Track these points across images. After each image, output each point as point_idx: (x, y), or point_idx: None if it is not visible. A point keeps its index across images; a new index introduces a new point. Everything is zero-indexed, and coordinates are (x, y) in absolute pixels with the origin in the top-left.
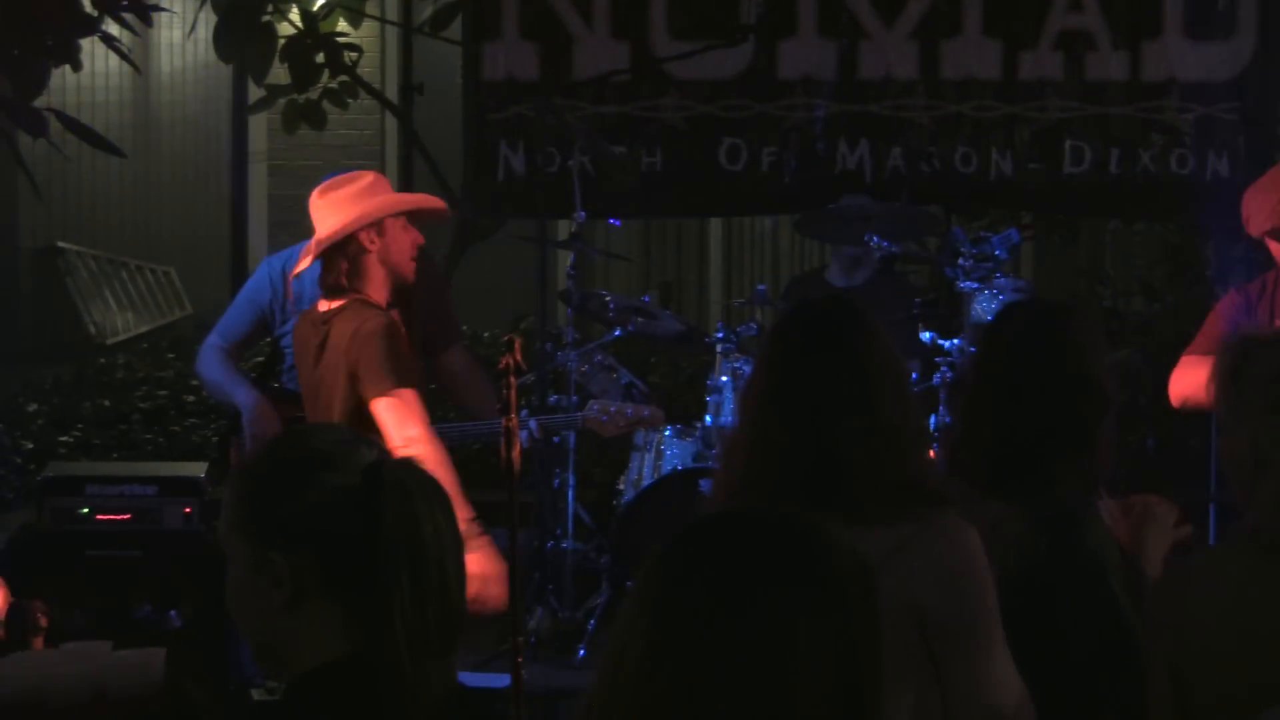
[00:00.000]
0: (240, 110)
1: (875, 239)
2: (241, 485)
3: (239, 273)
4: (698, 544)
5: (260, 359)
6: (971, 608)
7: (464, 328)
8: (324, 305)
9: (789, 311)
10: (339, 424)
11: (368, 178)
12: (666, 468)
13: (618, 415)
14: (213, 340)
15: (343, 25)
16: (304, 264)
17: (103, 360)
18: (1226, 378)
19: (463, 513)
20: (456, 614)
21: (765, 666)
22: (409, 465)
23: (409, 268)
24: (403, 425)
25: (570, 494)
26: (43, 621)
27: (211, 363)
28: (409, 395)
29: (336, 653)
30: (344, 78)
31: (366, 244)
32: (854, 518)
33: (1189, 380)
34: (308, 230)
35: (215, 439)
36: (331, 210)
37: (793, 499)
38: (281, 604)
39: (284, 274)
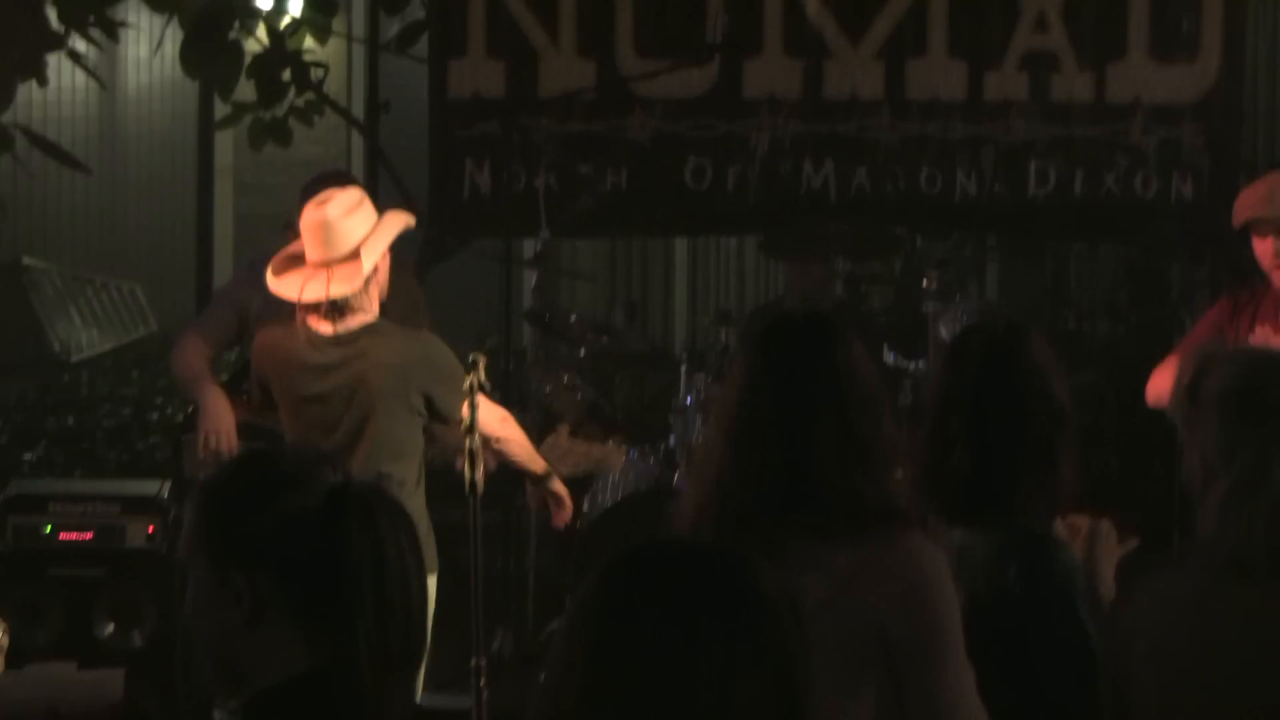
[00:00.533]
0: (206, 127)
1: (839, 259)
2: (204, 503)
3: (205, 290)
4: (629, 581)
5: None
6: (934, 628)
7: None
8: (325, 326)
9: (765, 323)
10: (305, 444)
11: (355, 193)
12: (630, 488)
13: (576, 453)
14: (190, 332)
15: (309, 42)
16: (360, 281)
17: (67, 377)
18: (1183, 394)
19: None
20: (419, 635)
21: (705, 702)
22: (374, 488)
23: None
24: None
25: (533, 515)
26: (3, 640)
27: (186, 355)
28: None
29: (297, 672)
30: (310, 95)
31: (380, 264)
32: (821, 534)
33: (1158, 381)
34: (274, 246)
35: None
36: (359, 228)
37: (761, 513)
38: (241, 622)
39: (262, 280)
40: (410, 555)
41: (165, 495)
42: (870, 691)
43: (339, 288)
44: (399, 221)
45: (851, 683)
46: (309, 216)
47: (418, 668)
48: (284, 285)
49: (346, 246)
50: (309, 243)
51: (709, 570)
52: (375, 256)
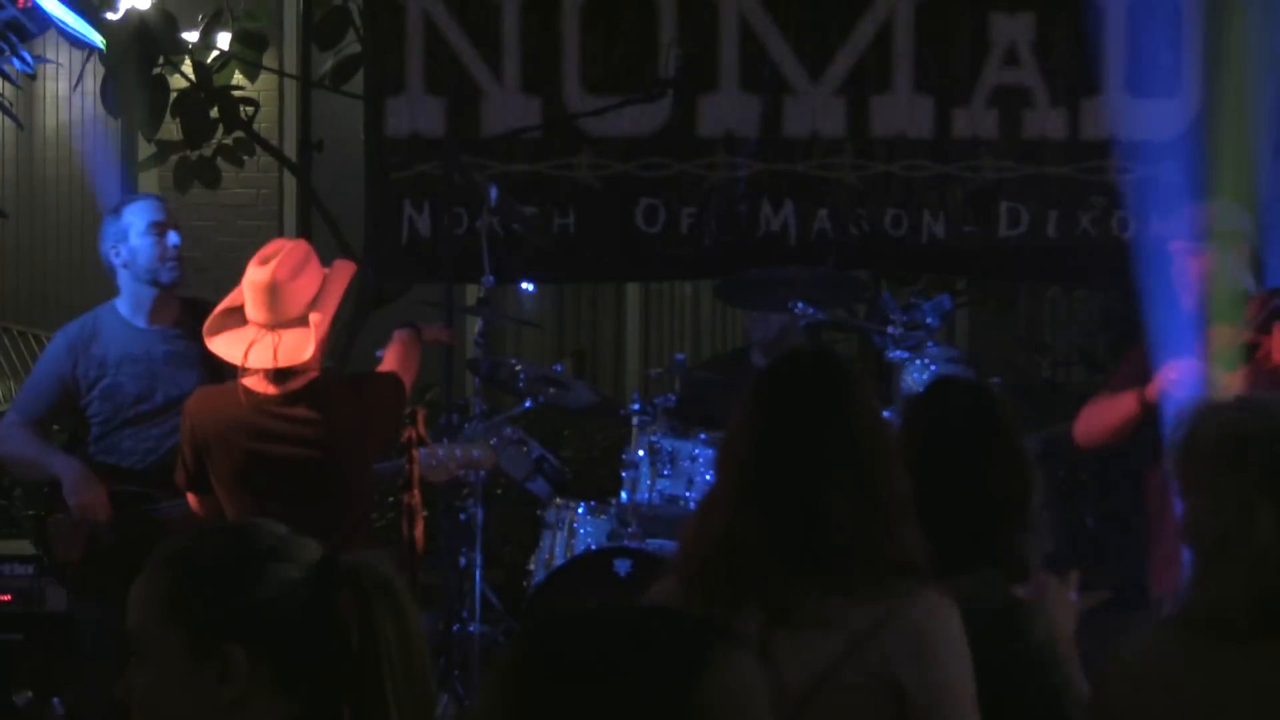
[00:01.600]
0: (130, 167)
1: (800, 305)
2: (177, 576)
3: None
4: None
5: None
6: (950, 685)
7: None
8: (268, 387)
9: (777, 364)
10: (267, 520)
11: (302, 247)
12: (580, 547)
13: (446, 459)
14: (11, 419)
15: (238, 78)
16: (311, 349)
17: None
18: (1174, 447)
19: None
20: (433, 699)
21: None
22: (366, 561)
23: None
24: None
25: (478, 574)
26: None
27: (16, 439)
28: None
29: None
30: (239, 133)
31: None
32: (836, 590)
33: (1086, 420)
34: (197, 292)
35: (31, 519)
36: (306, 288)
37: (773, 571)
38: (226, 700)
39: (86, 344)
40: (415, 626)
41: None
42: None
43: (288, 355)
44: (345, 274)
45: None
46: (253, 275)
47: None
48: (224, 346)
49: (294, 310)
50: (253, 303)
51: (629, 637)
52: (326, 321)
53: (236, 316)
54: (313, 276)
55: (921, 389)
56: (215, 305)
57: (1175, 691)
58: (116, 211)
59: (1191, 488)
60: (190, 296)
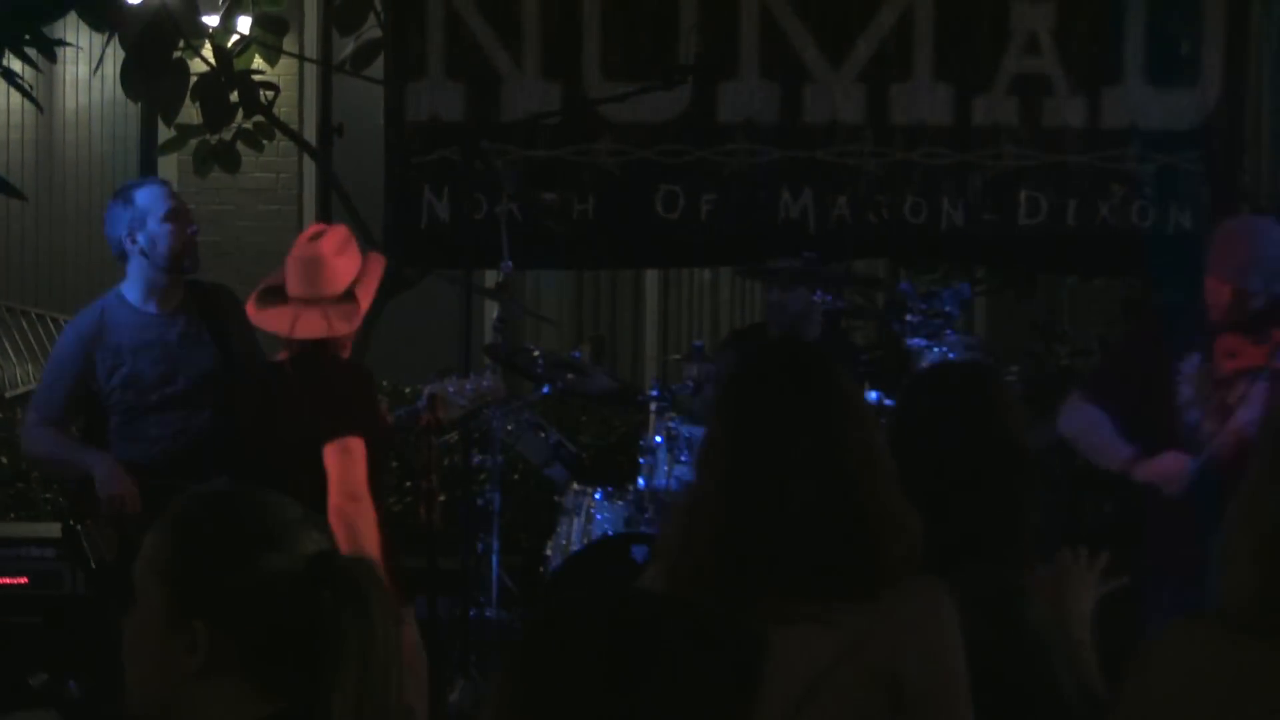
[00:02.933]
0: (149, 151)
1: (819, 293)
2: (178, 537)
3: None
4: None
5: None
6: (948, 677)
7: (383, 382)
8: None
9: (751, 359)
10: (287, 499)
11: (344, 230)
12: (597, 532)
13: (456, 394)
14: (34, 419)
15: (258, 62)
16: (358, 321)
17: (1, 415)
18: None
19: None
20: (391, 716)
21: None
22: (361, 562)
23: None
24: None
25: (495, 560)
26: None
27: (45, 439)
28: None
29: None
30: (259, 118)
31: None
32: (834, 593)
33: (1075, 426)
34: (216, 277)
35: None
36: (350, 267)
37: (769, 571)
38: (191, 670)
39: (99, 336)
40: (393, 635)
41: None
42: None
43: (340, 326)
44: (379, 264)
45: None
46: (302, 251)
47: None
48: (270, 320)
49: (338, 286)
50: (297, 277)
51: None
52: (369, 299)
53: (278, 294)
54: (354, 257)
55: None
56: (212, 286)
57: (1198, 689)
58: (127, 196)
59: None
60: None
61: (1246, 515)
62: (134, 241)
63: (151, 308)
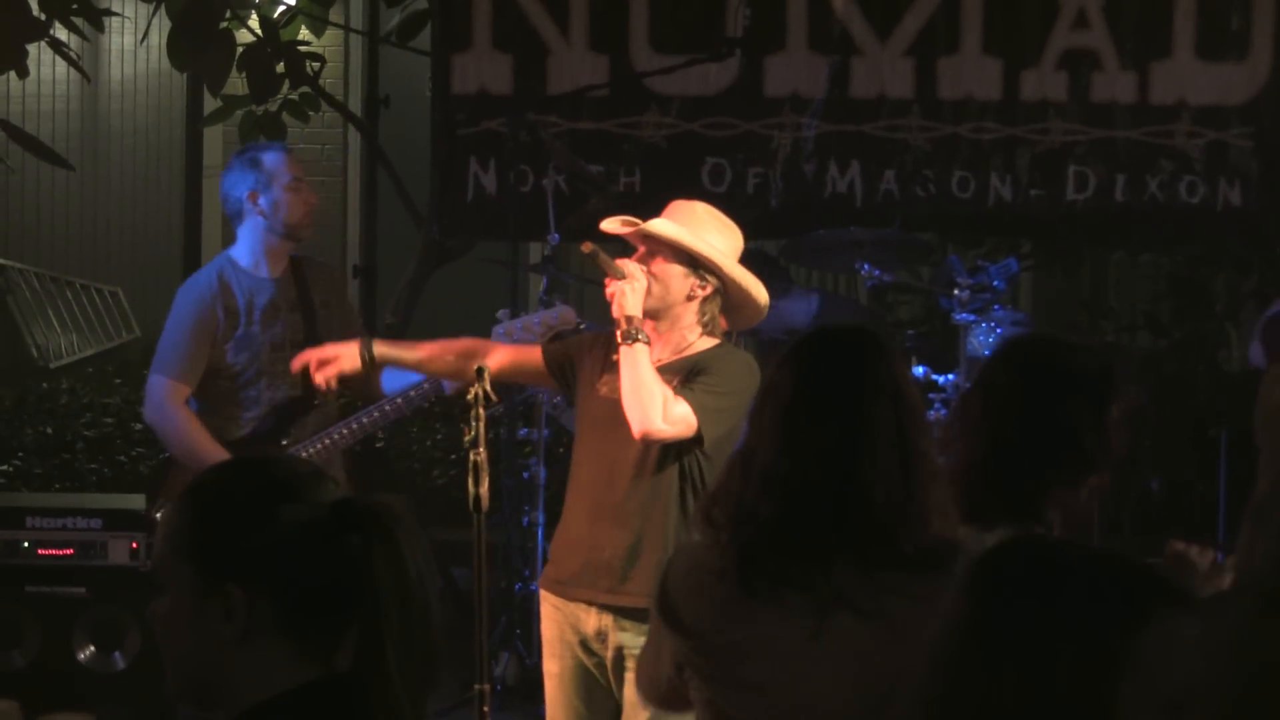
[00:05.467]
0: (194, 121)
1: (866, 267)
2: (193, 510)
3: None
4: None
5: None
6: None
7: None
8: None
9: (811, 341)
10: (295, 456)
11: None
12: None
13: (525, 328)
14: (163, 386)
15: (304, 33)
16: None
17: (45, 385)
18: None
19: None
20: (438, 658)
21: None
22: (382, 502)
23: None
24: None
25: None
26: None
27: (175, 416)
28: None
29: (286, 687)
30: (305, 89)
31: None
32: (886, 563)
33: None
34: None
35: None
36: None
37: (797, 539)
38: (230, 638)
39: (218, 297)
40: (430, 574)
41: (150, 512)
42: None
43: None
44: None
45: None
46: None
47: (434, 690)
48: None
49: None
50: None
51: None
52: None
53: None
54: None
55: (987, 351)
56: (321, 264)
57: (1226, 666)
58: (253, 158)
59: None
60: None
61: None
62: (254, 203)
63: (263, 271)
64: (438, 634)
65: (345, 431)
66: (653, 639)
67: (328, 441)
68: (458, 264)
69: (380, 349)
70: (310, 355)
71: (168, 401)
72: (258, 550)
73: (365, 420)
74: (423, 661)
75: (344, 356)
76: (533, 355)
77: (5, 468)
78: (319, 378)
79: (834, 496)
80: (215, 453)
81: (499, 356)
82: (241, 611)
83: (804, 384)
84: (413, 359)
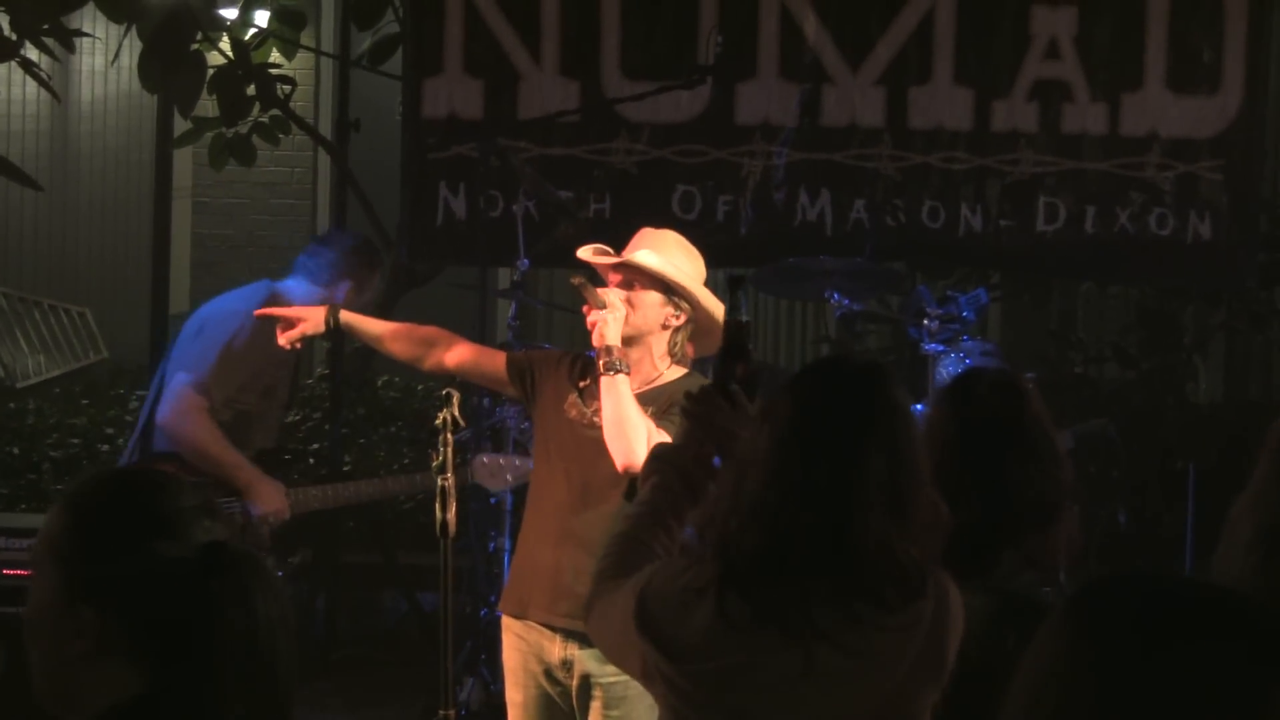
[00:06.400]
0: (164, 143)
1: (835, 296)
2: (74, 519)
3: (160, 315)
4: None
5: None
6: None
7: (396, 379)
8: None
9: (815, 372)
10: (193, 485)
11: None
12: None
13: (507, 467)
14: (199, 403)
15: (276, 56)
16: None
17: (12, 405)
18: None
19: None
20: (286, 696)
21: None
22: (248, 552)
23: None
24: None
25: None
26: None
27: (212, 432)
28: None
29: (130, 694)
30: (276, 112)
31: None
32: (853, 596)
33: None
34: (228, 271)
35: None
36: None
37: (783, 571)
38: (78, 653)
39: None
40: (284, 624)
41: None
42: None
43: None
44: None
45: None
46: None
47: None
48: None
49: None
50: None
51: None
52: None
53: None
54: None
55: (949, 385)
56: None
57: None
58: (354, 249)
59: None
60: None
61: (1250, 506)
62: (337, 289)
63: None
64: (285, 681)
65: (345, 492)
66: (610, 607)
67: (328, 492)
68: (426, 288)
69: (345, 317)
70: (278, 313)
71: (197, 416)
72: (118, 580)
73: (365, 489)
74: (266, 705)
75: (310, 320)
76: (494, 360)
77: None
78: (284, 339)
79: (818, 534)
80: (242, 469)
81: (459, 352)
82: (91, 631)
83: (800, 418)
84: (374, 333)
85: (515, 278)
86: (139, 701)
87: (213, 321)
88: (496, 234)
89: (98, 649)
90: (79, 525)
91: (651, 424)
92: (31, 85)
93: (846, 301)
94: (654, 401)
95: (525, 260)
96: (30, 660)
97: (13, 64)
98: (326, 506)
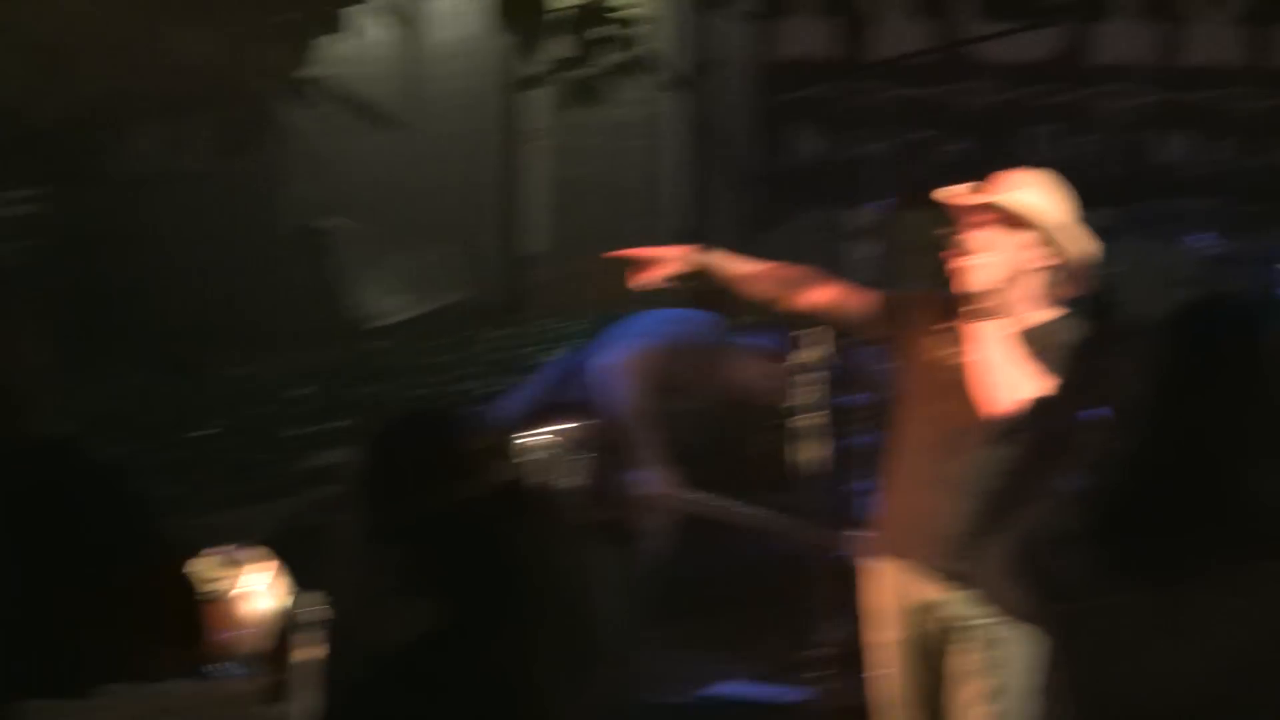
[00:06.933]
0: (515, 85)
1: (1195, 238)
2: (374, 461)
3: (511, 255)
4: None
5: None
6: None
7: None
8: None
9: (1195, 315)
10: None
11: None
12: None
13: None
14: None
15: None
16: None
17: (370, 345)
18: None
19: None
20: (588, 640)
21: None
22: (544, 495)
23: None
24: None
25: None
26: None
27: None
28: None
29: None
30: (627, 53)
31: None
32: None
33: None
34: (590, 210)
35: None
36: None
37: (1162, 522)
38: (382, 590)
39: None
40: (578, 570)
41: None
42: None
43: None
44: None
45: None
46: None
47: None
48: None
49: None
50: None
51: None
52: None
53: None
54: None
55: None
56: None
57: None
58: None
59: None
60: None
61: None
62: None
63: None
64: (586, 623)
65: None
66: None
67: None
68: (778, 231)
69: (707, 256)
70: (635, 254)
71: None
72: (418, 516)
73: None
74: (568, 644)
75: (672, 260)
76: (865, 299)
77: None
78: (645, 277)
79: (1206, 481)
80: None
81: (827, 291)
82: (393, 568)
83: (1186, 358)
84: (734, 273)
85: (868, 220)
86: (440, 636)
87: None
88: (848, 176)
89: (400, 586)
90: (379, 465)
91: (1021, 369)
92: (384, 28)
93: (1210, 241)
94: (1025, 344)
95: (879, 202)
96: (331, 598)
97: (368, 4)
98: (707, 517)
